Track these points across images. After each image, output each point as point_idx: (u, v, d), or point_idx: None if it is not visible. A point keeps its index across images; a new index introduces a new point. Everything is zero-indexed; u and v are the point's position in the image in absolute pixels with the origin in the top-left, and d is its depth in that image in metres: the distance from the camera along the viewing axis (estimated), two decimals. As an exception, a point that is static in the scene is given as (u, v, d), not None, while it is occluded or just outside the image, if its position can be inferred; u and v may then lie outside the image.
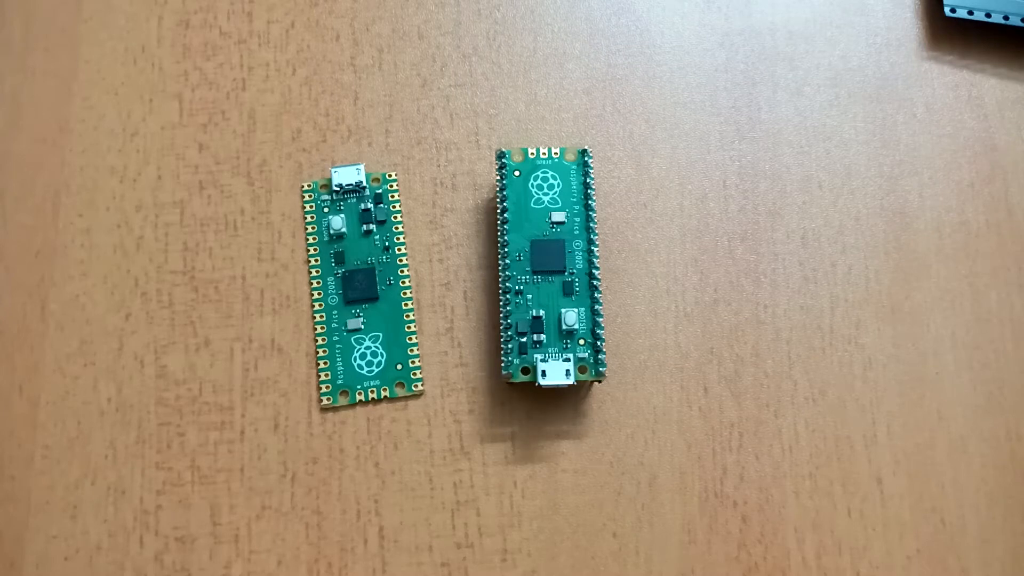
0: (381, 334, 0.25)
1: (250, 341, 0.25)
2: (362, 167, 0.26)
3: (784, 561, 0.24)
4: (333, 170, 0.26)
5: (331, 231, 0.26)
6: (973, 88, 0.28)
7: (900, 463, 0.25)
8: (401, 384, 0.25)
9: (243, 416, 0.24)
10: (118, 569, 0.23)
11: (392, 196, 0.26)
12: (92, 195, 0.26)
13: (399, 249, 0.26)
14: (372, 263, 0.26)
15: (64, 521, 0.24)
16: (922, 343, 0.26)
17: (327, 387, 0.25)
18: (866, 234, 0.27)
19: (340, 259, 0.26)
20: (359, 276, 0.25)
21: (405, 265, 0.26)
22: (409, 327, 0.25)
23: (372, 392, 0.25)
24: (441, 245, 0.26)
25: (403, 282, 0.26)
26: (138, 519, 0.24)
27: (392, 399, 0.25)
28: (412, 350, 0.25)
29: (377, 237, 0.26)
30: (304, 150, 0.27)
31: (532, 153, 0.26)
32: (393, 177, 0.26)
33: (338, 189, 0.26)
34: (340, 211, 0.26)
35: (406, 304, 0.25)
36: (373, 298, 0.25)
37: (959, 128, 0.28)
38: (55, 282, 0.25)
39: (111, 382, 0.25)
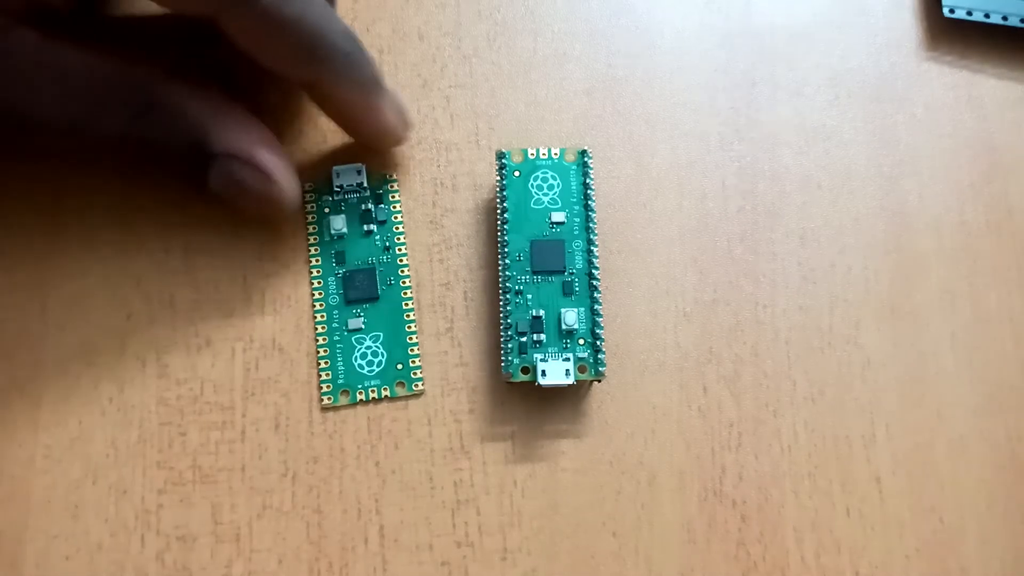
0: (382, 334, 0.25)
1: (251, 341, 0.25)
2: (363, 167, 0.26)
3: (783, 560, 0.24)
4: (334, 170, 0.26)
5: (332, 231, 0.26)
6: (972, 88, 0.28)
7: (899, 463, 0.25)
8: (402, 384, 0.25)
9: (244, 416, 0.25)
10: (119, 568, 0.23)
11: (392, 196, 0.26)
12: (93, 195, 0.26)
13: (399, 249, 0.26)
14: (373, 263, 0.26)
15: (65, 520, 0.24)
16: (922, 343, 0.26)
17: (328, 387, 0.25)
18: (865, 234, 0.27)
19: (341, 259, 0.26)
20: (360, 276, 0.26)
21: (405, 265, 0.26)
22: (409, 327, 0.25)
23: (373, 392, 0.25)
24: (441, 245, 0.26)
25: (403, 282, 0.26)
26: (139, 518, 0.24)
27: (393, 399, 0.25)
28: (412, 350, 0.25)
29: (378, 237, 0.26)
30: (304, 150, 0.27)
31: (532, 154, 0.26)
32: (393, 177, 0.27)
33: (339, 189, 0.26)
34: (341, 211, 0.26)
35: (406, 304, 0.25)
36: (374, 298, 0.25)
37: (959, 128, 0.28)
38: (55, 282, 0.25)
39: (112, 382, 0.25)
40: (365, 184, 0.26)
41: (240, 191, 0.24)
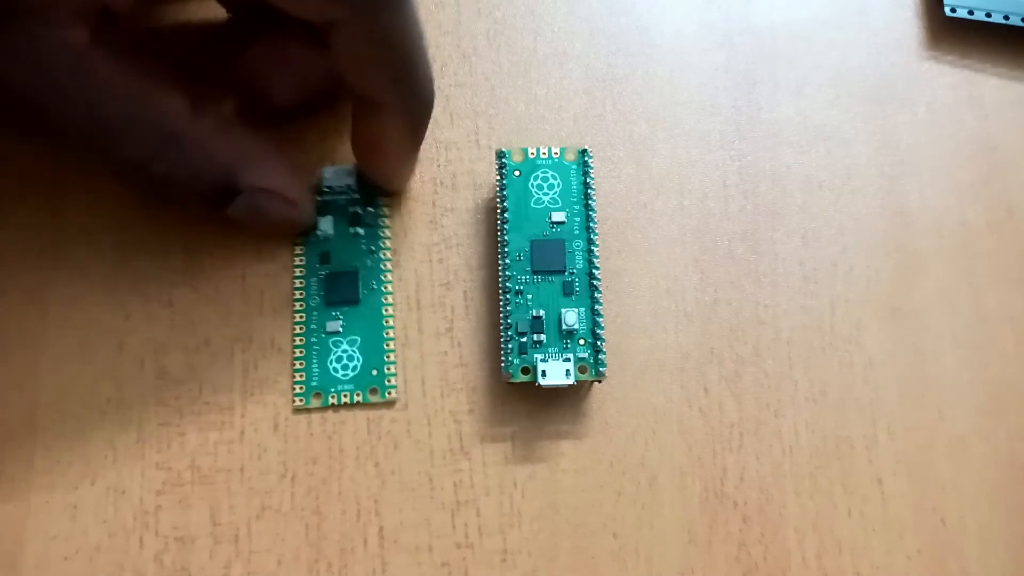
0: (359, 338, 0.25)
1: (250, 341, 0.25)
2: (353, 168, 0.26)
3: (784, 561, 0.24)
4: (324, 171, 0.26)
5: (318, 232, 0.26)
6: (973, 88, 0.28)
7: (901, 463, 0.25)
8: (375, 390, 0.25)
9: (243, 416, 0.24)
10: (118, 569, 0.23)
11: (382, 199, 0.26)
12: (93, 194, 0.26)
13: (384, 254, 0.26)
14: (356, 266, 0.25)
15: (64, 521, 0.24)
16: (922, 343, 0.26)
17: (300, 388, 0.25)
18: (866, 234, 0.27)
19: (325, 260, 0.25)
20: (342, 279, 0.25)
21: (389, 270, 0.26)
22: (387, 333, 0.25)
23: (345, 396, 0.24)
24: (441, 245, 0.26)
25: (385, 287, 0.25)
26: (138, 519, 0.24)
27: (364, 404, 0.25)
28: (388, 356, 0.25)
29: (363, 240, 0.26)
30: (303, 150, 0.27)
31: (532, 153, 0.25)
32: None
33: (328, 190, 0.26)
34: (328, 212, 0.26)
35: (386, 310, 0.25)
36: (354, 301, 0.25)
37: (959, 128, 0.28)
38: (55, 282, 0.25)
39: (111, 382, 0.25)
40: (355, 186, 0.26)
41: (261, 220, 0.24)
